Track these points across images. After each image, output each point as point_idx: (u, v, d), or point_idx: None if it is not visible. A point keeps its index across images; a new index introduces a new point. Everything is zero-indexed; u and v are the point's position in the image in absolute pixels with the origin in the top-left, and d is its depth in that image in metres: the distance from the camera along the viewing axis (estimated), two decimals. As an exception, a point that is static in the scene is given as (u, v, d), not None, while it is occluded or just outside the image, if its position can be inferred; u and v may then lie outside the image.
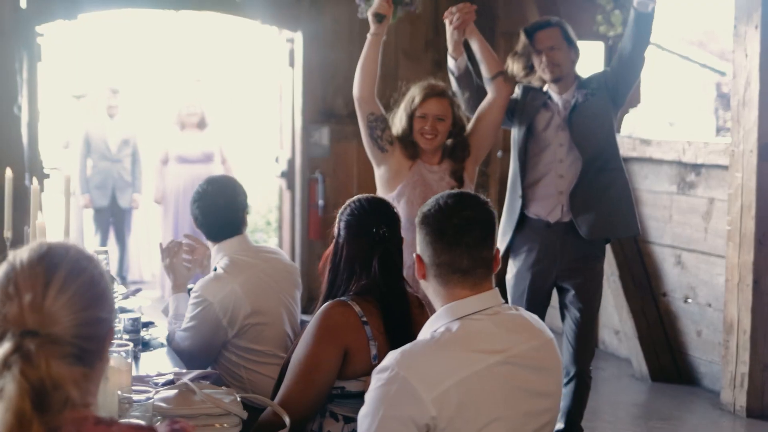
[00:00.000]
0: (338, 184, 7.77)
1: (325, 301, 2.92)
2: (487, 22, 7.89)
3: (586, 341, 4.59)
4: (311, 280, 7.83)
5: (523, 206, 4.59)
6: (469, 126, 4.43)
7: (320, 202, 7.66)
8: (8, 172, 3.75)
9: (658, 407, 5.88)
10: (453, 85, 4.53)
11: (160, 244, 3.99)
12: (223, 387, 2.83)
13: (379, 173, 4.34)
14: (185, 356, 3.54)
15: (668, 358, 6.31)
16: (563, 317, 4.65)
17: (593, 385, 4.73)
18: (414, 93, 4.30)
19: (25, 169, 6.50)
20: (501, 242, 4.61)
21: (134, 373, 2.87)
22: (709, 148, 5.86)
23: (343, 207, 3.03)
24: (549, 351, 2.43)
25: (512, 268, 4.67)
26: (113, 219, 8.60)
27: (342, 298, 2.89)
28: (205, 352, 3.66)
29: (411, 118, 4.25)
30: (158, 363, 3.38)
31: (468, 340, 2.30)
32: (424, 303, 3.01)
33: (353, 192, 7.80)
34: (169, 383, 2.87)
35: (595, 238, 4.52)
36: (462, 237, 2.35)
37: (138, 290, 4.65)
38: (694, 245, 6.04)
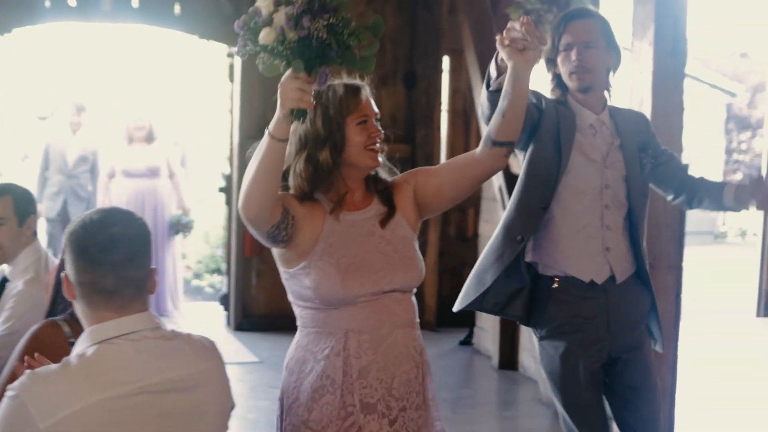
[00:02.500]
0: (277, 201, 7.67)
1: (46, 317, 2.82)
2: (432, 38, 7.78)
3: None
4: (245, 297, 7.76)
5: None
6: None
7: (255, 218, 7.55)
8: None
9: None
10: (483, 95, 3.07)
11: None
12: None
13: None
14: None
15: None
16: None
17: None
18: (332, 101, 2.67)
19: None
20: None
21: None
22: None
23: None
24: (209, 377, 2.31)
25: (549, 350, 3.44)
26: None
27: (57, 317, 2.78)
28: None
29: (341, 138, 2.66)
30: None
31: (98, 367, 2.17)
32: None
33: (292, 209, 7.74)
34: None
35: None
36: (106, 255, 2.23)
37: None
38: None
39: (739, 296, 9.40)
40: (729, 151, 17.85)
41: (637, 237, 3.44)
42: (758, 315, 8.86)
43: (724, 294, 10.43)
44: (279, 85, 2.41)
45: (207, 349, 2.35)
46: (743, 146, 17.77)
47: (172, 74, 10.79)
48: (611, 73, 3.45)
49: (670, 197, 3.66)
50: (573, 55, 3.34)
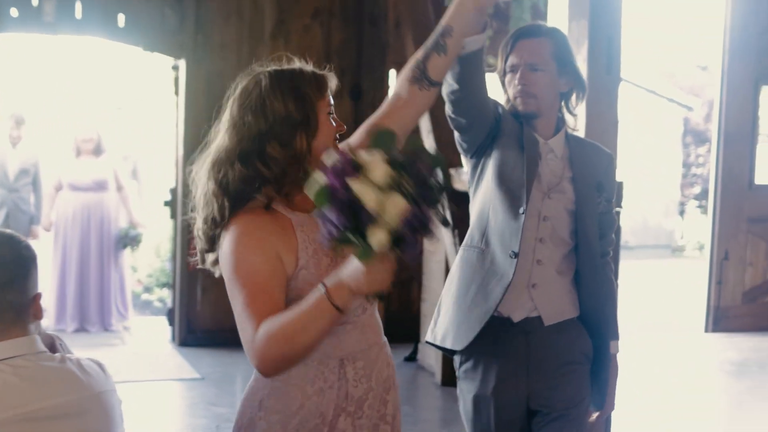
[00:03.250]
0: (222, 215, 7.61)
1: None
2: (378, 52, 7.77)
3: None
4: (190, 312, 7.68)
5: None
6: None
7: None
8: None
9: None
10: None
11: None
12: None
13: None
14: None
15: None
16: None
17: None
18: (305, 81, 2.33)
19: None
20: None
21: None
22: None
23: None
24: (97, 403, 2.25)
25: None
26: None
27: None
28: None
29: (315, 124, 2.32)
30: None
31: (-24, 393, 2.13)
32: None
33: (238, 223, 7.68)
34: None
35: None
36: None
37: None
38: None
39: (692, 312, 9.42)
40: (687, 165, 17.97)
41: (586, 279, 3.04)
42: (706, 330, 8.87)
43: (677, 309, 10.46)
44: (363, 270, 2.02)
45: (97, 374, 2.30)
46: (701, 160, 17.89)
47: (118, 86, 10.71)
48: (573, 98, 3.10)
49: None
50: (516, 79, 3.00)
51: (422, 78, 2.54)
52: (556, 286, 3.02)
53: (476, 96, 2.85)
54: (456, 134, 3.03)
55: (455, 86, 2.81)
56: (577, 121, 3.20)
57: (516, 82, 3.01)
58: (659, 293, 11.92)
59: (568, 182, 3.04)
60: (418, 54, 2.58)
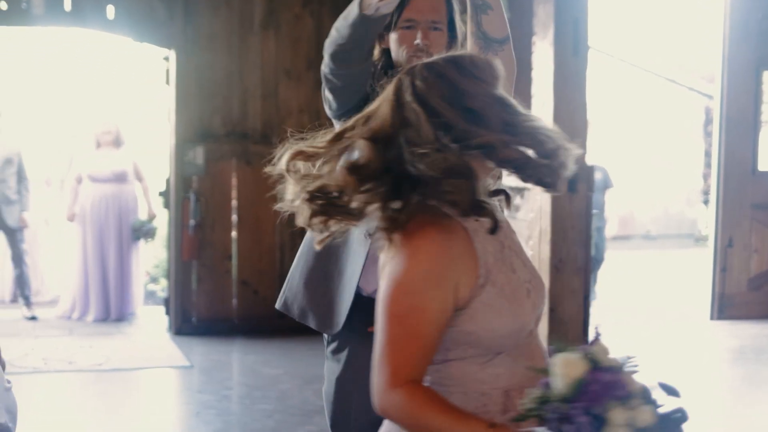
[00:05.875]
0: (215, 204, 7.65)
1: None
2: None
3: None
4: (185, 301, 7.72)
5: None
6: None
7: (191, 221, 7.54)
8: None
9: None
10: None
11: None
12: None
13: None
14: None
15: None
16: None
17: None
18: None
19: None
20: None
21: None
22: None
23: None
24: None
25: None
26: (7, 240, 8.56)
27: None
28: None
29: None
30: None
31: None
32: None
33: (231, 212, 7.71)
34: None
35: None
36: None
37: None
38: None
39: (700, 300, 9.30)
40: (709, 154, 17.72)
41: None
42: (711, 318, 8.76)
43: (687, 298, 10.34)
44: None
45: None
46: (723, 149, 17.61)
47: (109, 78, 10.78)
48: None
49: None
50: (418, 36, 2.77)
51: (489, 43, 2.48)
52: None
53: (364, 59, 2.72)
54: (327, 93, 2.82)
55: (347, 45, 2.63)
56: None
57: (418, 40, 2.78)
58: (675, 282, 11.79)
59: None
60: (470, 27, 2.51)
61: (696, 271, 12.81)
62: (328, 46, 2.71)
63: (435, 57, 1.97)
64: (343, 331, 2.83)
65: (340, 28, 2.64)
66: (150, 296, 9.51)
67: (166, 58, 7.65)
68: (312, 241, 2.81)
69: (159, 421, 5.65)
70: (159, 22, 7.42)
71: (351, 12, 2.60)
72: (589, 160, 4.14)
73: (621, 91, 15.79)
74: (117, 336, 7.83)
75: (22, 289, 8.58)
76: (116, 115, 9.25)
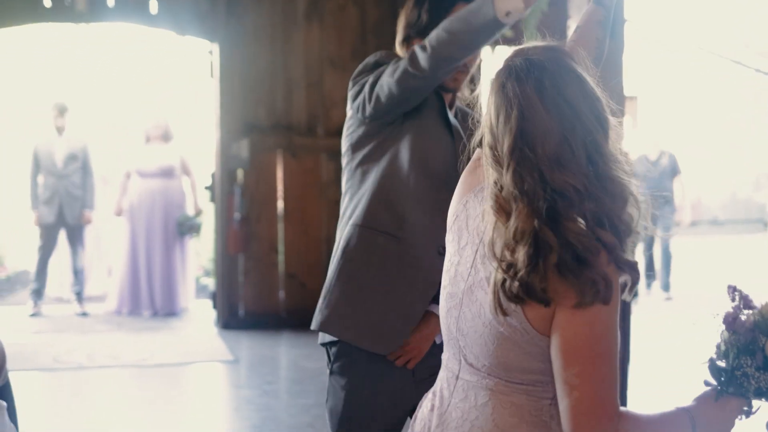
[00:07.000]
0: (260, 197, 7.61)
1: None
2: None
3: None
4: (232, 295, 7.70)
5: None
6: None
7: (236, 215, 7.51)
8: None
9: None
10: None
11: None
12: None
13: None
14: None
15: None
16: None
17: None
18: None
19: None
20: None
21: None
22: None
23: None
24: None
25: None
26: (67, 236, 8.61)
27: None
28: None
29: None
30: None
31: None
32: None
33: (276, 205, 7.66)
34: None
35: None
36: None
37: None
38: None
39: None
40: (778, 137, 17.23)
41: None
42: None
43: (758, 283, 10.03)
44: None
45: None
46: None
47: (155, 72, 10.81)
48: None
49: None
50: None
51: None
52: None
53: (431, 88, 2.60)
54: (386, 94, 2.60)
55: (470, 46, 2.51)
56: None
57: None
58: (742, 268, 11.45)
59: None
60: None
61: (765, 256, 12.48)
62: (439, 48, 2.49)
63: None
64: (350, 347, 2.64)
65: (456, 31, 2.47)
66: (203, 290, 9.53)
67: (211, 52, 7.62)
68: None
69: (196, 418, 5.61)
70: (202, 15, 7.39)
71: (478, 15, 2.44)
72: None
73: (687, 75, 15.42)
74: (164, 331, 7.84)
75: (76, 286, 8.63)
76: (164, 111, 9.27)
